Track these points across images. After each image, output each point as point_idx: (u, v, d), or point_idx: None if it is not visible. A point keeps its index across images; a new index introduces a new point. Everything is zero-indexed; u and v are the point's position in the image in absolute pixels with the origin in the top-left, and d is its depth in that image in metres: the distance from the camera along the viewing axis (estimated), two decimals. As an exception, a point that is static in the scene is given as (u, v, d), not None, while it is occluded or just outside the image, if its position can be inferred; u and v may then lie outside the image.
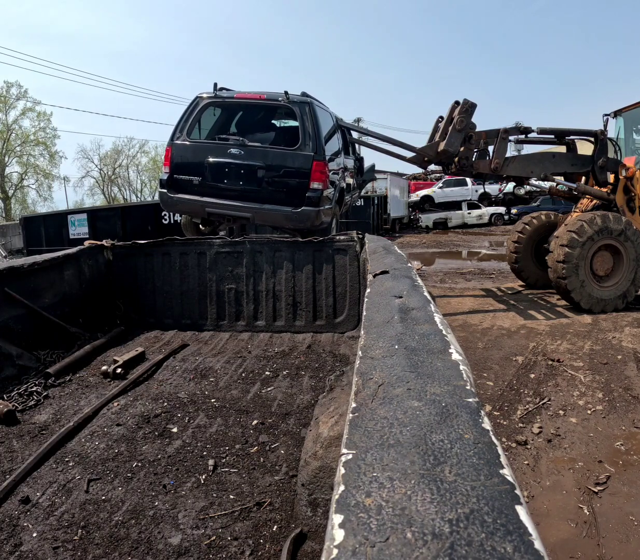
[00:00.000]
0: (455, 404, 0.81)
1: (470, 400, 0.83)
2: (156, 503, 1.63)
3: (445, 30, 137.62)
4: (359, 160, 8.11)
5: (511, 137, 6.71)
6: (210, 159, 5.32)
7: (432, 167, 7.46)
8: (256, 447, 1.98)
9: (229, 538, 1.47)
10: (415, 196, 25.50)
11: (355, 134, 8.00)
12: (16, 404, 2.37)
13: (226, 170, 5.31)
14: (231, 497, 1.66)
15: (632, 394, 3.88)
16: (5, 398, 2.43)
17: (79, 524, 1.53)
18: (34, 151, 43.83)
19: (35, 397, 2.47)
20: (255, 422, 2.20)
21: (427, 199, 24.71)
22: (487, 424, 0.75)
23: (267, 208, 5.24)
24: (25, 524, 1.54)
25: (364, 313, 1.58)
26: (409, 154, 6.61)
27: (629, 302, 6.62)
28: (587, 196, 7.17)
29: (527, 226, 7.85)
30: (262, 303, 3.79)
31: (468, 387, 0.88)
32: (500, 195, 22.69)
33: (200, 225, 6.24)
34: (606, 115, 7.43)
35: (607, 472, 2.88)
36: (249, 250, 3.84)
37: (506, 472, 0.62)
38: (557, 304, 6.95)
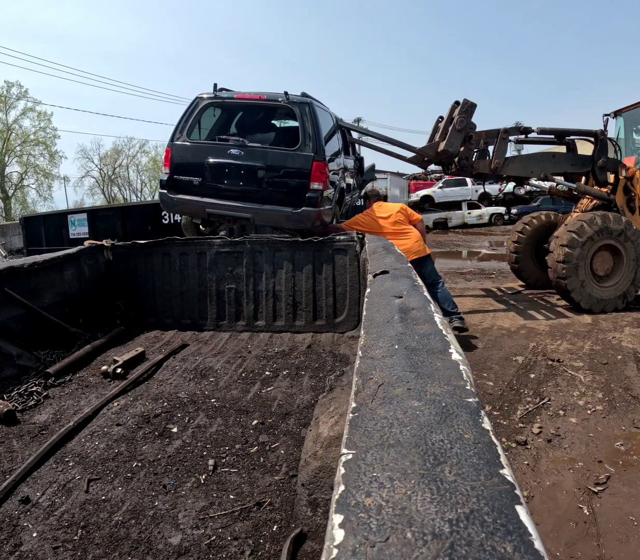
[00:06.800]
0: (455, 404, 0.81)
1: (470, 400, 0.83)
2: (156, 503, 1.63)
3: (445, 31, 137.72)
4: (359, 160, 8.10)
5: (511, 137, 6.70)
6: (210, 160, 5.31)
7: (432, 167, 7.46)
8: (256, 447, 1.98)
9: (229, 538, 1.47)
10: (415, 196, 25.45)
11: (355, 134, 7.99)
12: (16, 404, 2.37)
13: (226, 170, 5.30)
14: (231, 497, 1.66)
15: (632, 394, 3.88)
16: (5, 398, 2.43)
17: (79, 524, 1.53)
18: (34, 151, 43.84)
19: (35, 397, 2.46)
20: (255, 422, 2.19)
21: (427, 199, 24.66)
22: (487, 424, 0.74)
23: (267, 208, 5.23)
24: (25, 524, 1.54)
25: (364, 313, 1.58)
26: (409, 154, 6.60)
27: (629, 302, 6.62)
28: (587, 196, 7.17)
29: (527, 226, 7.85)
30: (262, 303, 3.79)
31: (468, 387, 0.88)
32: (500, 195, 22.65)
33: (201, 226, 6.24)
34: (606, 115, 7.43)
35: (607, 472, 2.88)
36: (249, 250, 3.84)
37: (506, 472, 0.62)
38: (557, 304, 6.95)
